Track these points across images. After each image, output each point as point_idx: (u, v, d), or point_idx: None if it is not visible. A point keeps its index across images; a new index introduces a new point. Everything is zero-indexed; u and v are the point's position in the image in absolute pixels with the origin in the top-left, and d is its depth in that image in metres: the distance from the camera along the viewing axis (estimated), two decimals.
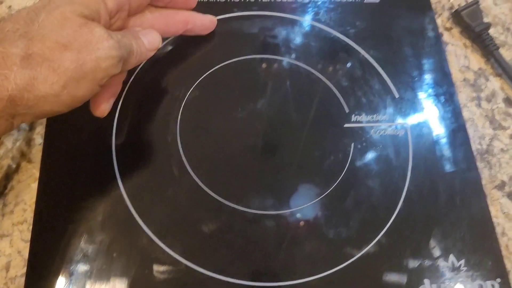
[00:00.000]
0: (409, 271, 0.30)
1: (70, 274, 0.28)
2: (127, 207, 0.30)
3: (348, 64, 0.36)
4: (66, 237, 0.29)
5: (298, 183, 0.32)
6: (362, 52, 0.37)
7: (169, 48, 0.36)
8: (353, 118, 0.34)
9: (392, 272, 0.30)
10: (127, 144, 0.32)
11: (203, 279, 0.28)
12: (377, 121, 0.34)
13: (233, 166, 0.32)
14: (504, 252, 0.34)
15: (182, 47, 0.36)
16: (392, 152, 0.33)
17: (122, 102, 0.33)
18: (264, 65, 0.36)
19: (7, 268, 0.30)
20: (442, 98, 0.36)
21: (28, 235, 0.30)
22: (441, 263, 0.30)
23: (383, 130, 0.34)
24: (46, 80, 0.23)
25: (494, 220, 0.36)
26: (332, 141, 0.33)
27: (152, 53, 0.30)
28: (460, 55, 0.43)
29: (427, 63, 0.37)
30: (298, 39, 0.37)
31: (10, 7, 0.40)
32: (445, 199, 0.32)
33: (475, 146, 0.39)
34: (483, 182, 0.37)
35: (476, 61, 0.43)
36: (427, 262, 0.30)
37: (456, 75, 0.42)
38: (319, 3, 0.39)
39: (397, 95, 0.35)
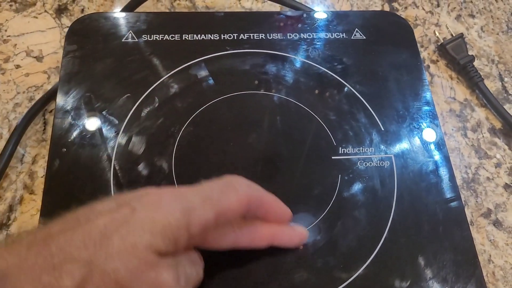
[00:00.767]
0: None
1: None
2: None
3: (336, 99, 0.38)
4: None
5: None
6: (349, 87, 0.39)
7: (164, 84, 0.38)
8: (340, 150, 0.36)
9: None
10: (124, 179, 0.33)
11: None
12: (363, 153, 0.36)
13: None
14: (490, 279, 0.36)
15: (175, 82, 0.38)
16: (378, 183, 0.35)
17: (118, 140, 0.35)
18: (255, 101, 0.37)
19: None
20: (426, 130, 0.37)
21: None
22: None
23: (369, 162, 0.36)
24: None
25: (481, 247, 0.37)
26: (320, 173, 0.35)
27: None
28: (446, 87, 0.45)
29: (411, 97, 0.39)
30: (288, 75, 0.39)
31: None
32: (429, 228, 0.33)
33: (461, 175, 0.40)
34: (470, 210, 0.38)
35: (461, 92, 0.45)
36: None
37: (442, 106, 0.44)
38: (308, 40, 0.41)
39: (382, 128, 0.37)
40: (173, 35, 0.40)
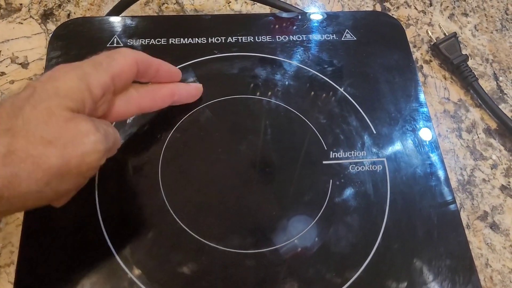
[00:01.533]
0: None
1: None
2: (109, 248, 0.30)
3: (326, 102, 0.37)
4: (49, 280, 0.29)
5: (278, 221, 0.32)
6: (340, 89, 0.38)
7: None
8: (332, 155, 0.35)
9: None
10: (109, 187, 0.32)
11: None
12: (355, 157, 0.35)
13: (214, 206, 0.32)
14: (488, 284, 0.35)
15: None
16: (370, 188, 0.34)
17: None
18: (244, 105, 0.37)
19: None
20: (419, 133, 0.36)
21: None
22: None
23: (361, 166, 0.35)
24: (29, 177, 0.22)
25: (478, 251, 0.36)
26: (311, 178, 0.34)
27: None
28: (440, 87, 0.44)
29: (403, 99, 0.38)
30: (277, 79, 0.38)
31: None
32: (423, 233, 0.32)
33: (456, 177, 0.39)
34: (466, 213, 0.38)
35: (455, 92, 0.44)
36: None
37: (436, 107, 0.43)
38: (297, 42, 0.40)
39: (374, 131, 0.36)
40: (160, 39, 0.39)
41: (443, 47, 0.45)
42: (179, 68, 0.37)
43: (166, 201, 0.32)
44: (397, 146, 0.36)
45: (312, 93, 0.38)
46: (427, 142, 0.36)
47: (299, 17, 0.42)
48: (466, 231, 0.36)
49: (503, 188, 0.39)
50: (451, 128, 0.42)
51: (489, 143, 0.41)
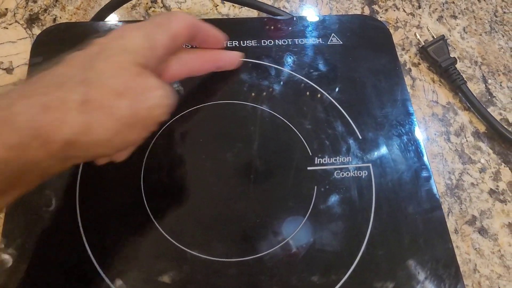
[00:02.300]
0: None
1: None
2: (90, 258, 0.30)
3: (311, 107, 0.37)
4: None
5: (262, 229, 0.32)
6: (326, 94, 0.37)
7: None
8: (316, 160, 0.35)
9: None
10: (90, 195, 0.32)
11: None
12: (340, 163, 0.35)
13: (197, 214, 0.32)
14: None
15: None
16: (355, 194, 0.33)
17: None
18: (228, 111, 0.36)
19: None
20: (405, 138, 0.36)
21: None
22: None
23: (346, 172, 0.34)
24: (102, 125, 0.23)
25: (466, 256, 0.36)
26: (295, 185, 0.33)
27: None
28: (428, 90, 0.44)
29: (390, 103, 0.38)
30: (262, 84, 0.38)
31: None
32: (408, 240, 0.32)
33: (444, 181, 0.39)
34: (454, 217, 0.37)
35: (444, 95, 0.44)
36: None
37: (425, 110, 0.42)
38: (283, 46, 0.40)
39: (360, 136, 0.36)
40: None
41: (431, 50, 0.44)
42: None
43: (148, 209, 0.32)
44: (383, 151, 0.36)
45: (298, 98, 0.37)
46: (413, 147, 0.36)
47: (285, 21, 0.42)
48: (454, 236, 0.36)
49: (491, 192, 0.39)
50: (440, 131, 0.42)
51: (477, 147, 0.41)
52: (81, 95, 0.23)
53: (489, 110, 0.42)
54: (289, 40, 0.40)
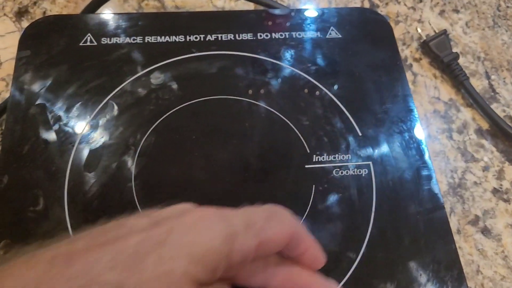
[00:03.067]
0: None
1: None
2: None
3: (309, 103, 0.35)
4: None
5: None
6: (324, 89, 0.36)
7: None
8: (315, 158, 0.33)
9: None
10: (80, 193, 0.31)
11: None
12: (339, 161, 0.33)
13: None
14: None
15: (136, 89, 0.35)
16: (355, 193, 0.32)
17: (74, 151, 0.32)
18: (222, 107, 0.35)
19: None
20: (406, 135, 0.35)
21: None
22: None
23: (345, 170, 0.33)
24: None
25: (468, 257, 0.34)
26: (292, 183, 0.32)
27: None
28: (430, 86, 0.42)
29: (390, 99, 0.36)
30: (258, 79, 0.36)
31: None
32: (410, 242, 0.30)
33: (447, 180, 0.38)
34: (456, 217, 0.36)
35: (446, 91, 0.42)
36: None
37: (426, 107, 0.41)
38: (279, 40, 0.39)
39: (360, 133, 0.34)
40: (135, 38, 0.37)
41: (433, 45, 0.43)
42: (153, 68, 0.35)
43: (139, 208, 0.31)
44: (383, 149, 0.34)
45: (295, 93, 0.36)
46: (415, 145, 0.35)
47: (282, 14, 0.41)
48: (457, 236, 0.35)
49: (495, 191, 0.38)
50: (442, 128, 0.40)
51: (480, 144, 0.40)
52: None
53: (492, 106, 0.41)
54: (286, 33, 0.39)
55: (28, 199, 0.30)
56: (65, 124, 0.33)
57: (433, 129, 0.40)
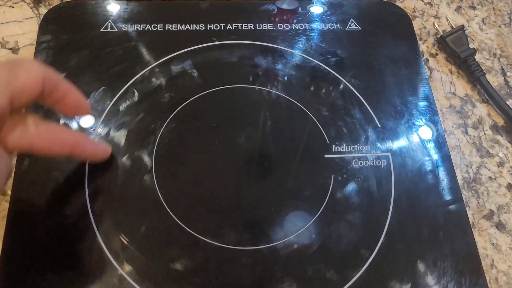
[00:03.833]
0: None
1: None
2: (100, 243, 0.29)
3: (329, 94, 0.36)
4: (35, 275, 0.28)
5: (276, 217, 0.31)
6: (344, 81, 0.36)
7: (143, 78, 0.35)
8: (334, 148, 0.33)
9: None
10: (100, 179, 0.31)
11: None
12: (358, 152, 0.33)
13: (209, 200, 0.31)
14: (493, 286, 0.33)
15: (157, 76, 0.35)
16: (373, 184, 0.32)
17: (95, 137, 0.32)
18: (242, 96, 0.35)
19: None
20: (426, 127, 0.35)
21: None
22: None
23: (364, 161, 0.33)
24: None
25: (483, 251, 0.35)
26: (312, 173, 0.32)
27: None
28: (446, 82, 0.43)
29: (410, 92, 0.36)
30: (278, 68, 0.36)
31: None
32: (428, 233, 0.31)
33: (462, 174, 0.38)
34: (471, 212, 0.36)
35: (462, 87, 0.42)
36: None
37: (442, 102, 0.41)
38: (300, 31, 0.39)
39: (379, 125, 0.35)
40: (156, 25, 0.37)
41: (449, 40, 0.43)
42: (174, 55, 0.35)
43: (159, 194, 0.31)
44: (402, 141, 0.34)
45: (315, 84, 0.36)
46: (434, 138, 0.35)
47: (302, 5, 0.41)
48: (472, 232, 0.35)
49: (509, 186, 0.38)
50: (457, 124, 0.40)
51: (495, 140, 0.40)
52: None
53: (508, 103, 0.41)
54: (306, 24, 0.39)
55: (49, 182, 0.30)
56: None
57: (449, 124, 0.40)
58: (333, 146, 0.34)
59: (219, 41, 0.37)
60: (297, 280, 0.29)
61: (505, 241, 0.36)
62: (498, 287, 0.34)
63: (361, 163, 0.33)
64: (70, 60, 0.35)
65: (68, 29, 0.36)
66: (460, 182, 0.37)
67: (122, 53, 0.36)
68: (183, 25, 0.38)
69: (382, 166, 0.33)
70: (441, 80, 0.43)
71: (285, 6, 0.41)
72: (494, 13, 0.48)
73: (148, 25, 0.37)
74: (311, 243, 0.30)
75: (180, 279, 0.28)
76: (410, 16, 0.46)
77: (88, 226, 0.29)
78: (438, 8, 0.47)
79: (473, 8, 0.48)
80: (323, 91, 0.36)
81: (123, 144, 0.32)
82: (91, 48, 0.36)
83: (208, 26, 0.38)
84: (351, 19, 0.40)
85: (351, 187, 0.32)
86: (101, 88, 0.34)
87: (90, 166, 0.31)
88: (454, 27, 0.44)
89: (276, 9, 0.40)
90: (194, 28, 0.38)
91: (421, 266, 0.30)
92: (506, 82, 0.43)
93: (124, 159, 0.32)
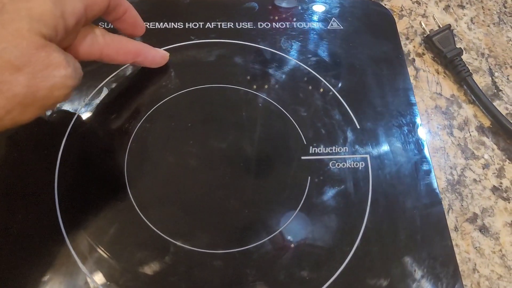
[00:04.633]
0: None
1: None
2: (67, 245, 0.28)
3: (308, 94, 0.35)
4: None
5: (249, 220, 0.30)
6: (324, 81, 0.35)
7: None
8: (311, 150, 0.33)
9: None
10: (70, 179, 0.30)
11: None
12: (336, 153, 0.33)
13: (181, 202, 0.30)
14: None
15: (132, 75, 0.35)
16: (350, 186, 0.31)
17: (67, 134, 0.32)
18: (219, 95, 0.34)
19: None
20: (406, 129, 0.34)
21: None
22: None
23: (342, 163, 0.32)
24: None
25: (465, 255, 0.34)
26: (288, 175, 0.32)
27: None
28: (432, 82, 0.42)
29: (391, 93, 0.36)
30: (256, 68, 0.36)
31: None
32: (405, 236, 0.30)
33: (445, 176, 0.37)
34: (454, 215, 0.35)
35: (448, 87, 0.42)
36: None
37: (428, 102, 0.40)
38: (280, 30, 0.38)
39: (358, 126, 0.34)
40: None
41: (436, 40, 0.42)
42: None
43: (131, 195, 0.30)
44: (381, 143, 0.34)
45: (294, 84, 0.35)
46: (414, 139, 0.34)
47: (283, 3, 0.40)
48: (454, 234, 0.34)
49: (494, 189, 0.37)
50: (442, 124, 0.40)
51: (481, 142, 0.39)
52: None
53: (495, 104, 0.40)
54: (287, 23, 0.38)
55: (17, 179, 0.30)
56: (59, 107, 0.33)
57: (434, 125, 0.40)
58: (311, 147, 0.33)
59: (198, 40, 0.37)
60: (269, 284, 0.28)
61: (488, 245, 0.35)
62: None
63: (338, 165, 0.32)
64: None
65: None
66: (443, 184, 0.37)
67: None
68: (161, 24, 0.37)
69: (360, 168, 0.32)
70: (427, 80, 0.42)
71: (284, 5, 0.40)
72: (483, 12, 0.47)
73: None
74: (285, 246, 0.29)
75: (148, 283, 0.28)
76: (398, 15, 0.45)
77: (56, 228, 0.29)
78: (426, 7, 0.46)
79: (462, 7, 0.47)
80: (302, 91, 0.35)
81: (95, 144, 0.32)
82: None
83: (187, 25, 0.37)
84: (333, 18, 0.39)
85: (327, 189, 0.31)
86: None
87: (60, 163, 0.31)
88: (441, 26, 0.43)
89: (257, 7, 0.39)
90: (172, 27, 0.37)
91: (397, 270, 0.29)
92: (494, 82, 0.43)
93: (96, 158, 0.31)
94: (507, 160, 0.38)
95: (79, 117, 0.33)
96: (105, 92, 0.34)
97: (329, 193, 0.31)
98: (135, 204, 0.30)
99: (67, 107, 0.33)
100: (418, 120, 0.35)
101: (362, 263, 0.29)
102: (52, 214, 0.29)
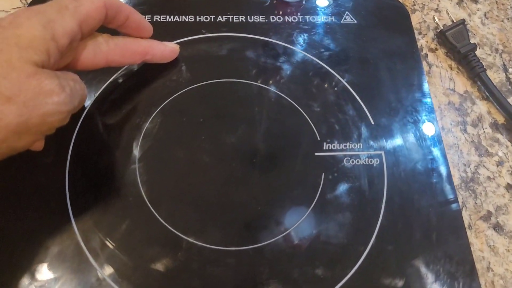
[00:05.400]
0: None
1: None
2: (78, 242, 0.28)
3: (322, 89, 0.34)
4: (9, 273, 0.27)
5: (263, 217, 0.30)
6: (337, 76, 0.35)
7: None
8: (325, 146, 0.32)
9: None
10: (81, 175, 0.30)
11: None
12: (350, 150, 0.32)
13: (194, 198, 0.30)
14: None
15: (143, 69, 0.34)
16: (365, 183, 0.31)
17: (77, 130, 0.31)
18: (231, 90, 0.34)
19: None
20: (421, 125, 0.34)
21: None
22: None
23: (356, 159, 0.32)
24: None
25: (479, 254, 0.33)
26: (301, 171, 0.31)
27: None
28: (445, 77, 0.41)
29: (406, 88, 0.35)
30: (269, 62, 0.35)
31: None
32: (420, 235, 0.29)
33: (459, 174, 0.36)
34: (468, 213, 0.35)
35: (462, 83, 0.41)
36: None
37: (441, 98, 0.40)
38: (292, 24, 0.37)
39: (372, 122, 0.33)
40: (143, 16, 0.36)
41: (450, 35, 0.42)
42: None
43: (142, 191, 0.30)
44: (396, 139, 0.33)
45: (307, 79, 0.35)
46: (430, 136, 0.33)
47: None
48: (468, 232, 0.34)
49: (508, 187, 0.37)
50: (456, 121, 0.39)
51: (495, 139, 0.39)
52: None
53: (509, 100, 0.40)
54: (300, 17, 0.38)
55: (29, 176, 0.30)
56: None
57: (447, 122, 0.39)
58: (324, 143, 0.32)
59: (209, 34, 0.36)
60: (283, 282, 0.28)
61: (502, 243, 0.34)
62: None
63: (352, 162, 0.32)
64: None
65: None
66: (457, 181, 0.36)
67: None
68: (172, 17, 0.37)
69: (374, 165, 0.32)
70: (440, 76, 0.41)
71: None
72: (497, 7, 0.46)
73: None
74: (299, 244, 0.29)
75: (160, 280, 0.27)
76: (410, 10, 0.45)
77: (67, 223, 0.28)
78: (439, 1, 0.46)
79: (476, 1, 0.46)
80: (316, 86, 0.35)
81: (106, 140, 0.31)
82: None
83: (198, 18, 0.37)
84: (347, 12, 0.38)
85: (342, 186, 0.31)
86: (85, 81, 0.33)
87: (70, 159, 0.30)
88: (455, 21, 0.43)
89: (269, 1, 0.38)
90: (183, 20, 0.37)
91: (412, 269, 0.29)
92: (508, 78, 0.42)
93: (107, 154, 0.31)
94: None
95: (89, 112, 0.32)
96: (116, 86, 0.33)
97: (344, 190, 0.31)
98: (146, 200, 0.29)
99: None
100: (433, 116, 0.34)
101: (377, 262, 0.29)
102: (63, 210, 0.29)
